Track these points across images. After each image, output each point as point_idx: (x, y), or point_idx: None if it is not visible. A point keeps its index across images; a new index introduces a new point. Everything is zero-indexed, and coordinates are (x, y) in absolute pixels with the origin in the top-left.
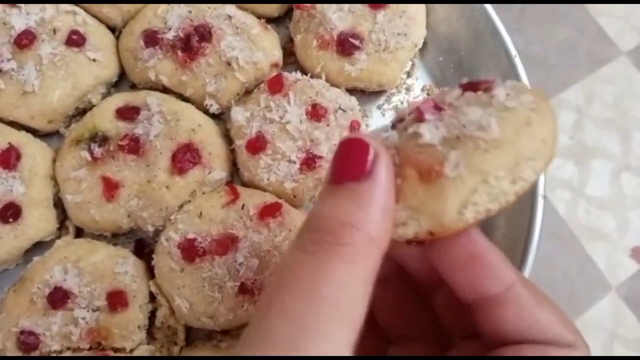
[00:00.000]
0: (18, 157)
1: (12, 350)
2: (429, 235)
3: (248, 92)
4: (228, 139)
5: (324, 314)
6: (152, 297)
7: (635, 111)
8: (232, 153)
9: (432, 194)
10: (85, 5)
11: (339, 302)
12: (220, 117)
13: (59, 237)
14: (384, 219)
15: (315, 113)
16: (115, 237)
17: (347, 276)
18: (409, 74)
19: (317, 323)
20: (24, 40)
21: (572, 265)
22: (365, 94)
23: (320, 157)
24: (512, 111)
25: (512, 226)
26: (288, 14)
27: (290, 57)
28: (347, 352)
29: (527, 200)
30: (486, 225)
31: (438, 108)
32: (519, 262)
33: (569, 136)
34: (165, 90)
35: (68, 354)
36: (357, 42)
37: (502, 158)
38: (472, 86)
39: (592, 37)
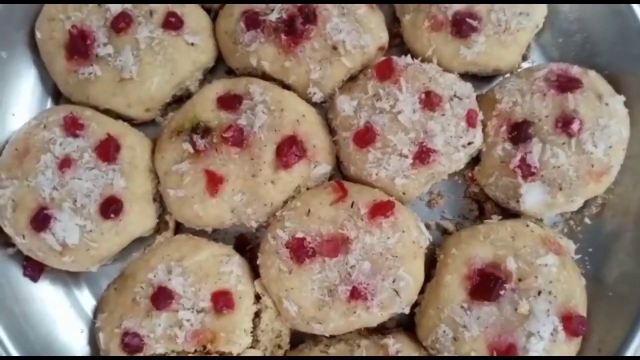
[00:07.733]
0: (117, 148)
1: (115, 352)
2: None
3: (352, 78)
4: (330, 128)
5: None
6: (256, 298)
7: None
8: (334, 144)
9: None
10: None
11: None
12: (322, 105)
13: (157, 231)
14: None
15: (429, 101)
16: (215, 232)
17: None
18: (524, 57)
19: None
20: (121, 23)
21: None
22: (475, 78)
23: (434, 151)
24: None
25: None
26: None
27: (395, 39)
28: None
29: None
30: (615, 229)
31: None
32: None
33: None
34: (264, 76)
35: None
36: (474, 23)
37: None
38: None
39: None
